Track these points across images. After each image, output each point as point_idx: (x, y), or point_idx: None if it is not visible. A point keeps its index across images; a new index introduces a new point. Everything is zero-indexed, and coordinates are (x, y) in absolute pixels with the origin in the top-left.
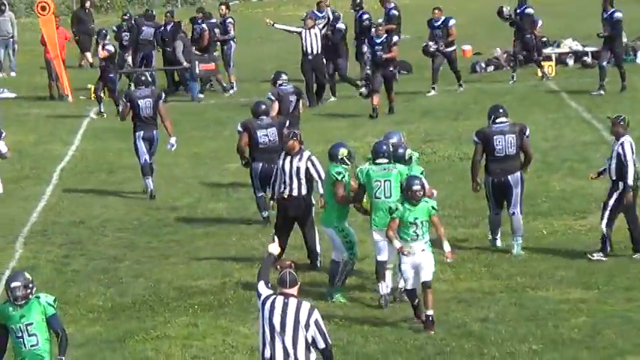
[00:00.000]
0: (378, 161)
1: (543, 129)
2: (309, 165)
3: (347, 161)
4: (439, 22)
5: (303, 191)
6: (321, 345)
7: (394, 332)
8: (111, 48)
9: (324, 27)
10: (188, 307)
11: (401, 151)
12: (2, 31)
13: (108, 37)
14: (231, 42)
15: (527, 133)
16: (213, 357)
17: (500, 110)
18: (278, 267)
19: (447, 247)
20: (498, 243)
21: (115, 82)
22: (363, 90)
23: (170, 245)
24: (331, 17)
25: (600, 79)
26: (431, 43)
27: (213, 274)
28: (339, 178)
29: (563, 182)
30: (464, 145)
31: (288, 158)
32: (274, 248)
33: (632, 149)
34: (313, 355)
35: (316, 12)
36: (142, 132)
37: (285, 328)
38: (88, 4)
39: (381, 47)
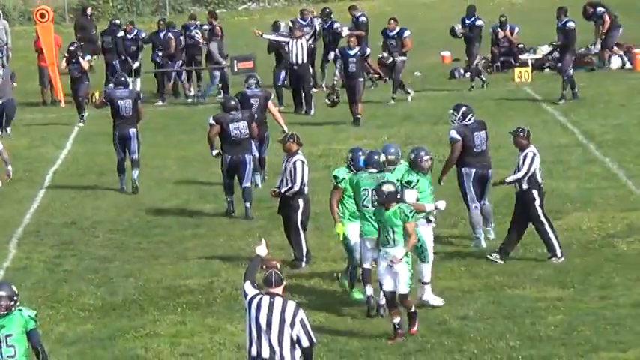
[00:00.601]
0: (369, 170)
1: None
2: (292, 167)
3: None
4: (393, 33)
5: (290, 191)
6: (305, 343)
7: (376, 329)
8: (88, 58)
9: (311, 37)
10: (177, 305)
11: (376, 157)
12: None
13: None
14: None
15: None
16: (201, 354)
17: (467, 108)
18: (264, 266)
19: (399, 252)
20: (483, 243)
21: (86, 90)
22: (327, 100)
23: (159, 246)
24: (317, 28)
25: (572, 87)
26: (385, 55)
27: (201, 273)
28: (336, 182)
29: None
30: (444, 148)
31: (285, 158)
32: (261, 250)
33: (532, 160)
34: (298, 352)
35: (300, 20)
36: (117, 132)
37: (271, 327)
38: (89, 11)
39: (354, 59)
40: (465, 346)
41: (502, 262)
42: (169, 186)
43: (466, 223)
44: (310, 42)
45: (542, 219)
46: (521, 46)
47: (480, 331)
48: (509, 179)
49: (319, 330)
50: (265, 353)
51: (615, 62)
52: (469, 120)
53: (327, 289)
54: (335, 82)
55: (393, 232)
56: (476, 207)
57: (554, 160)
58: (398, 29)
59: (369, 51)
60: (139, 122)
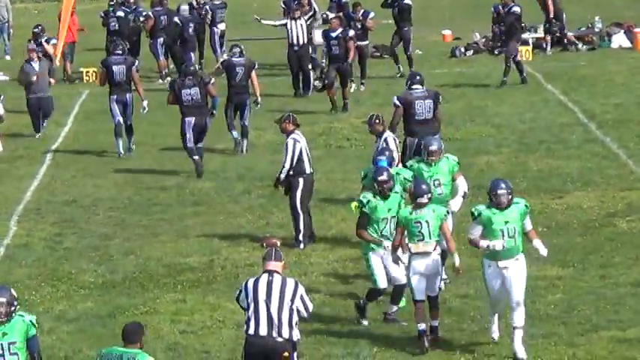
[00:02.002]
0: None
1: (521, 111)
2: (284, 147)
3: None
4: (358, 15)
5: (283, 171)
6: (303, 314)
7: (376, 309)
8: (54, 42)
9: (309, 18)
10: (177, 283)
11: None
12: None
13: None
14: (214, 27)
15: (441, 99)
16: (201, 332)
17: (417, 77)
18: (264, 244)
19: (456, 259)
20: None
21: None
22: (317, 83)
23: (160, 224)
24: (317, 9)
25: (520, 72)
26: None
27: (202, 251)
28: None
29: (540, 162)
30: (444, 127)
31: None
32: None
33: (395, 142)
34: (296, 331)
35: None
36: (115, 95)
37: (270, 304)
38: None
39: (336, 42)
40: (465, 325)
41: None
42: (170, 164)
43: (467, 201)
44: (309, 22)
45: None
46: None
47: (479, 310)
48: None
49: (319, 308)
50: (263, 331)
51: (617, 40)
52: (414, 88)
53: (326, 268)
54: (323, 65)
55: (426, 226)
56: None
57: (555, 139)
58: (362, 11)
59: (351, 33)
60: (137, 87)
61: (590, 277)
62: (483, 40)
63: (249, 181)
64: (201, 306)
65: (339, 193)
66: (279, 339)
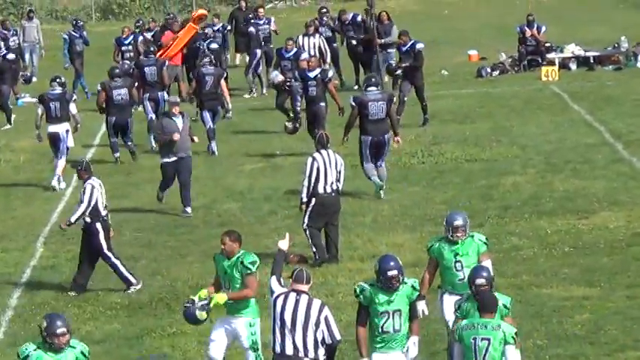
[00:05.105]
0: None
1: (547, 131)
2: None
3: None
4: (290, 54)
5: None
6: (328, 340)
7: None
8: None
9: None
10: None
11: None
12: (30, 36)
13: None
14: (256, 50)
15: (394, 100)
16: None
17: (372, 80)
18: (289, 262)
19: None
20: (377, 180)
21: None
22: (289, 125)
23: (186, 244)
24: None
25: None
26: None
27: None
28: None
29: (566, 183)
30: (470, 148)
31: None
32: (283, 244)
33: (92, 192)
34: (322, 350)
35: (283, 52)
36: (148, 94)
37: (296, 324)
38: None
39: (314, 82)
40: None
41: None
42: (196, 185)
43: (493, 222)
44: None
45: (108, 253)
46: (548, 44)
47: None
48: (72, 218)
49: (345, 328)
50: (289, 350)
51: None
52: (370, 90)
53: (353, 287)
54: (297, 107)
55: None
56: (368, 162)
57: (581, 159)
58: (295, 50)
59: (330, 74)
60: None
61: (617, 297)
62: (509, 60)
63: (275, 202)
64: None
65: (364, 213)
66: (306, 359)
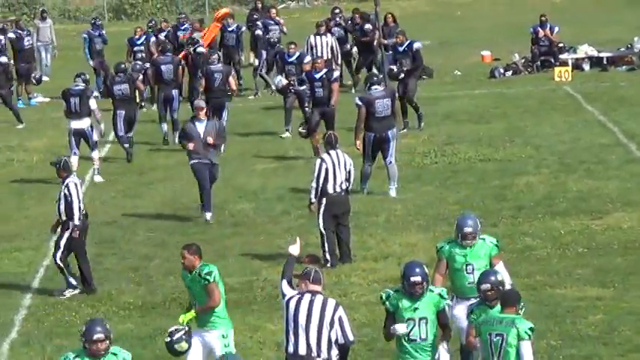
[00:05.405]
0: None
1: (561, 132)
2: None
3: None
4: (293, 58)
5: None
6: (341, 341)
7: None
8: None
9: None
10: None
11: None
12: (44, 36)
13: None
14: (262, 51)
15: (396, 95)
16: (242, 352)
17: (375, 78)
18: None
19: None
20: (366, 190)
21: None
22: (303, 130)
23: (199, 244)
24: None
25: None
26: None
27: (241, 272)
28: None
29: (580, 183)
30: (484, 148)
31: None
32: (294, 249)
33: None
34: (335, 351)
35: (286, 55)
36: (162, 93)
37: (310, 325)
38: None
39: (320, 83)
40: None
41: None
42: None
43: (507, 222)
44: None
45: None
46: (561, 45)
47: None
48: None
49: (359, 328)
50: (302, 350)
51: None
52: (373, 88)
53: (366, 289)
54: (307, 109)
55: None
56: (369, 165)
57: (595, 159)
58: (298, 53)
59: (336, 74)
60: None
61: (631, 297)
62: (522, 60)
63: (288, 202)
64: (241, 327)
65: (378, 213)
66: (319, 359)
